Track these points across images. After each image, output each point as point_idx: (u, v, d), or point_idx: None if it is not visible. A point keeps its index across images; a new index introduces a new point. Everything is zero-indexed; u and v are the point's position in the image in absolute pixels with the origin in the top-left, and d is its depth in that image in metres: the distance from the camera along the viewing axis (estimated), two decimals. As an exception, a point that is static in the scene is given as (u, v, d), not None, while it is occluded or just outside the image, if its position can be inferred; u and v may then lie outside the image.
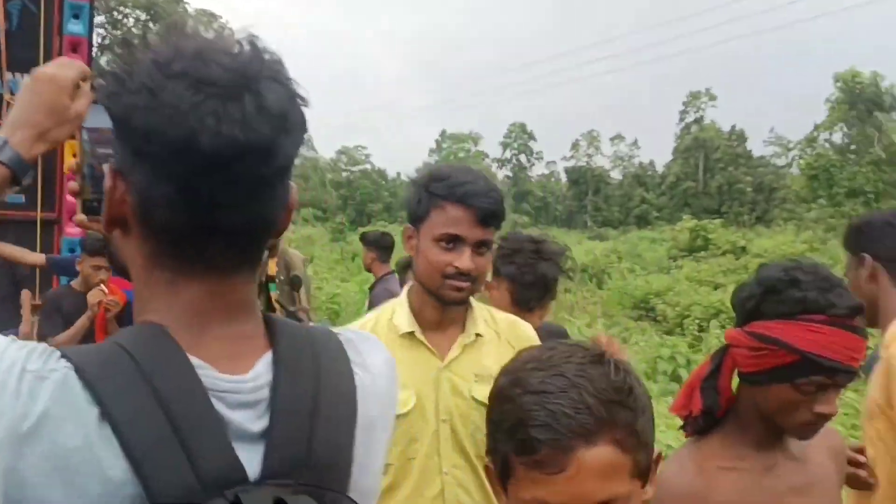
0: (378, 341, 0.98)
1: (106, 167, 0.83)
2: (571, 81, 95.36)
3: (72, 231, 5.13)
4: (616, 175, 58.07)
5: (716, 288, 15.83)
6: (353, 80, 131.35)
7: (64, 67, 0.95)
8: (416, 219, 1.72)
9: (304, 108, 0.80)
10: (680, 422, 1.46)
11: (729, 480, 1.32)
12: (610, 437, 0.89)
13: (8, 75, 5.70)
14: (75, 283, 4.05)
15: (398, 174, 63.65)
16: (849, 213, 22.62)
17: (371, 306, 4.65)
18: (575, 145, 59.40)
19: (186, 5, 34.14)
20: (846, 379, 1.28)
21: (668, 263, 21.73)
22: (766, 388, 1.30)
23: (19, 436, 0.67)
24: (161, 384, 0.71)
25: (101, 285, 3.70)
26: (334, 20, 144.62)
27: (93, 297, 3.65)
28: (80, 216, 0.95)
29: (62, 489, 0.67)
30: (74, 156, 0.94)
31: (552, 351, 0.97)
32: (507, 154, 62.12)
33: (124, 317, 3.72)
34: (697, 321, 12.79)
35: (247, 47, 0.77)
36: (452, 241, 1.66)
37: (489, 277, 2.60)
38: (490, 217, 1.67)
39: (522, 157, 61.70)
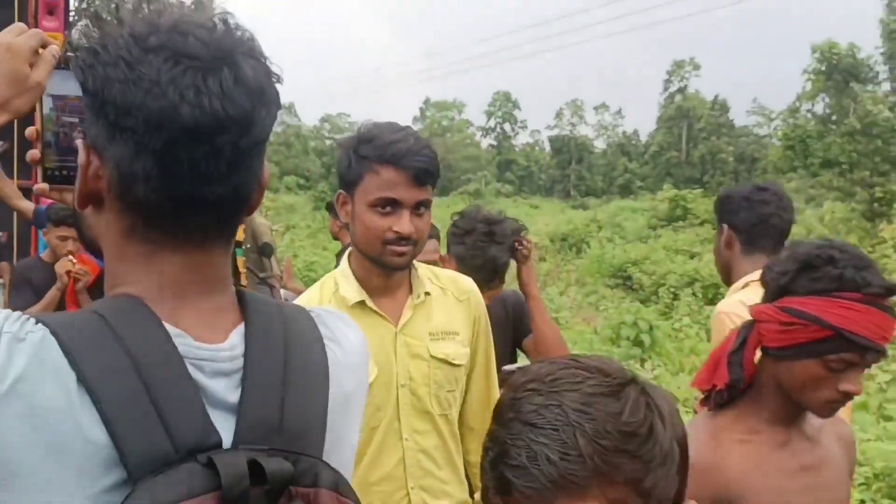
0: (348, 318, 0.97)
1: (79, 142, 0.82)
2: (556, 49, 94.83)
3: (48, 201, 5.12)
4: (600, 144, 58.20)
5: (692, 257, 16.07)
6: (337, 47, 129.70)
7: (21, 35, 0.92)
8: (349, 184, 1.66)
9: (278, 84, 0.81)
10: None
11: (742, 452, 1.34)
12: (603, 495, 0.73)
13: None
14: (45, 255, 3.91)
15: (382, 142, 63.10)
16: (825, 183, 22.96)
17: None
18: (559, 114, 59.21)
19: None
20: (874, 358, 1.30)
21: (647, 233, 21.95)
22: (793, 364, 1.31)
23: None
24: (137, 351, 0.71)
25: (70, 255, 3.58)
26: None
27: (61, 267, 3.54)
28: (42, 185, 0.95)
29: (43, 450, 0.68)
30: (34, 123, 0.94)
31: (564, 370, 0.79)
32: (492, 123, 61.95)
33: (95, 289, 3.60)
34: (672, 290, 13.04)
35: (220, 24, 0.77)
36: (389, 205, 1.60)
37: (443, 251, 2.59)
38: (425, 176, 1.62)
39: (507, 126, 61.52)
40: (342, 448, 0.88)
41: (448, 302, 1.79)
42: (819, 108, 32.58)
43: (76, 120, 0.95)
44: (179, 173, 0.74)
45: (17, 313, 0.72)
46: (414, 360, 1.69)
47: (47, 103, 0.94)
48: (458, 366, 1.75)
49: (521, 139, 62.29)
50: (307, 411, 0.81)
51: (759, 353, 1.40)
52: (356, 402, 0.92)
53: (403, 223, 1.60)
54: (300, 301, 1.71)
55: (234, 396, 0.77)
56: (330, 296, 1.72)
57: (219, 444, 0.73)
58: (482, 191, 40.60)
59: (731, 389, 1.39)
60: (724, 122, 48.52)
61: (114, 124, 0.74)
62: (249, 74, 0.76)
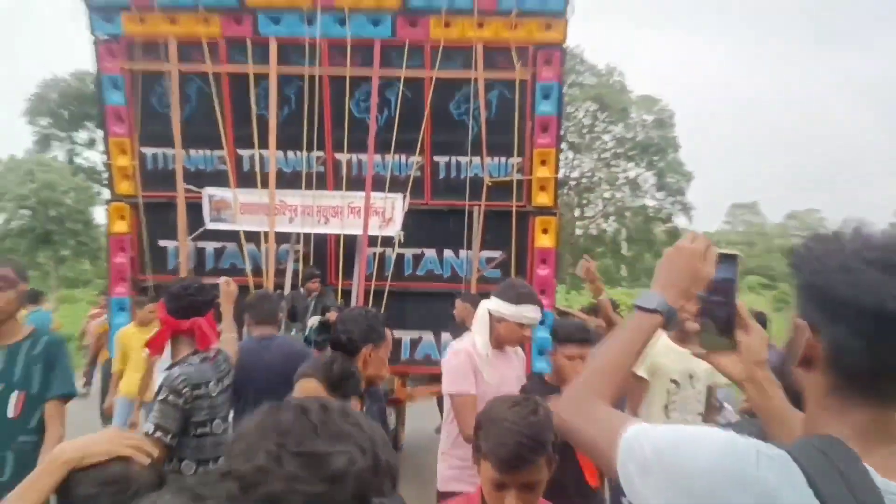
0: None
1: (798, 321, 1.04)
2: None
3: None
4: None
5: None
6: (806, 134, 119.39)
7: (696, 241, 1.27)
8: None
9: None
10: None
11: None
12: None
13: (488, 160, 6.25)
14: (548, 376, 3.55)
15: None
16: None
17: None
18: None
19: (630, 94, 35.10)
20: None
21: None
22: None
23: (765, 499, 0.91)
24: (852, 479, 0.92)
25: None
26: (775, 70, 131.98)
27: None
28: (699, 349, 1.29)
29: None
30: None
31: None
32: None
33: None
34: None
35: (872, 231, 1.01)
36: None
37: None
38: None
39: None
40: None
41: None
42: None
43: (719, 299, 1.25)
44: (882, 351, 0.96)
45: (755, 440, 0.97)
46: None
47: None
48: None
49: None
50: None
51: None
52: None
53: None
54: None
55: None
56: None
57: None
58: None
59: None
60: None
61: (832, 313, 0.98)
62: None
